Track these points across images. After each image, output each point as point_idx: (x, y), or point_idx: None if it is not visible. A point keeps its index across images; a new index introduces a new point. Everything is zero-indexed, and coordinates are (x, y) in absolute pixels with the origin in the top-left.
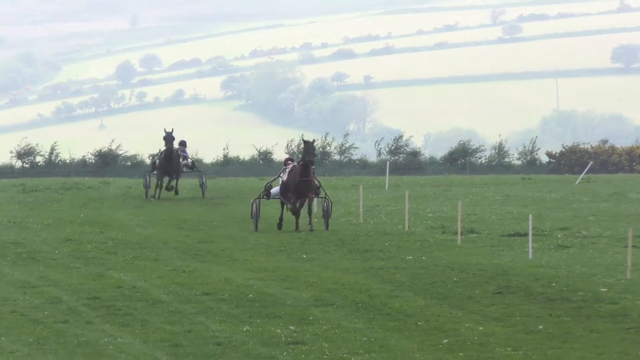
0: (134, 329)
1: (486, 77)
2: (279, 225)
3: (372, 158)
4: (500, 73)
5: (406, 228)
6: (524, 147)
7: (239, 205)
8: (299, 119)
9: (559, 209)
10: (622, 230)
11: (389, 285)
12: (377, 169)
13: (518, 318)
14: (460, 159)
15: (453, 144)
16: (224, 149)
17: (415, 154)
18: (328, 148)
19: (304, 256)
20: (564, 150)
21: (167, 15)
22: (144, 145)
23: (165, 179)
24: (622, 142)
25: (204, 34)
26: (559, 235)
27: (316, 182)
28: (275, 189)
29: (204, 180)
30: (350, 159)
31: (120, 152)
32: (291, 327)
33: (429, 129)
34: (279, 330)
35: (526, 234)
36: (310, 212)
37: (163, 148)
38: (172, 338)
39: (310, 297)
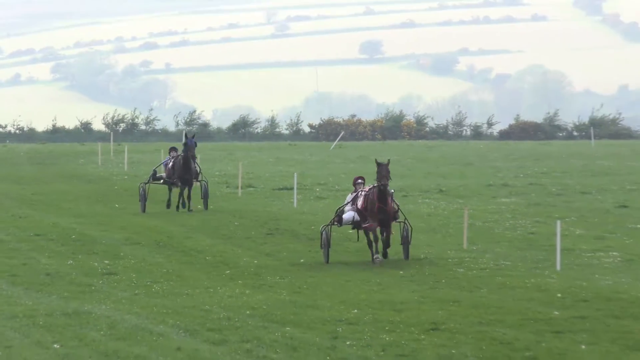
0: None
1: (262, 65)
2: (373, 260)
3: (172, 128)
4: (273, 62)
5: (198, 184)
6: (291, 120)
7: (65, 165)
8: (114, 97)
9: (318, 168)
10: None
11: (184, 228)
12: (175, 137)
13: (285, 253)
14: (242, 129)
15: (236, 118)
16: (52, 120)
17: (205, 125)
18: (137, 120)
19: (117, 205)
20: (322, 122)
21: (9, 14)
22: None
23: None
24: (367, 116)
25: (37, 29)
26: (317, 189)
27: (395, 205)
28: (347, 215)
29: (206, 189)
30: (154, 129)
31: None
32: (106, 261)
33: (217, 106)
34: (96, 264)
35: (292, 188)
36: (386, 241)
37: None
38: (10, 270)
39: (121, 237)
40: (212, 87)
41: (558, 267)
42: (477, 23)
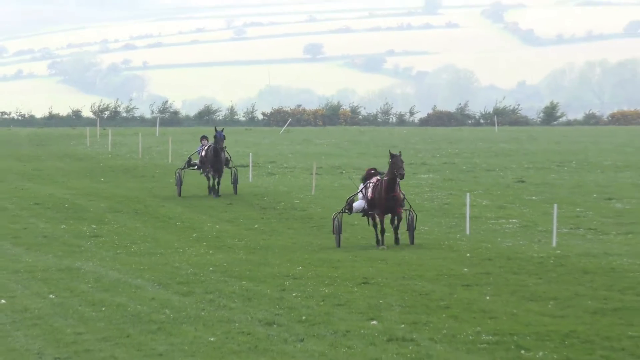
0: None
1: (223, 63)
2: (377, 243)
3: (148, 115)
4: (232, 61)
5: (169, 162)
6: (247, 109)
7: (59, 146)
8: (100, 90)
9: (269, 149)
10: (309, 164)
11: (158, 198)
12: (150, 122)
13: (242, 220)
14: (206, 116)
15: (201, 107)
16: (49, 109)
17: (176, 113)
18: (119, 108)
19: (102, 179)
20: (272, 111)
21: (13, 20)
22: None
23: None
24: (310, 106)
25: (37, 32)
26: (269, 167)
27: (401, 194)
28: (357, 203)
29: (235, 175)
30: (133, 116)
31: None
32: (93, 226)
33: (185, 97)
34: (85, 228)
35: (247, 165)
36: (396, 227)
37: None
38: (13, 232)
39: (106, 206)
40: (181, 82)
41: (467, 232)
42: (402, 29)
